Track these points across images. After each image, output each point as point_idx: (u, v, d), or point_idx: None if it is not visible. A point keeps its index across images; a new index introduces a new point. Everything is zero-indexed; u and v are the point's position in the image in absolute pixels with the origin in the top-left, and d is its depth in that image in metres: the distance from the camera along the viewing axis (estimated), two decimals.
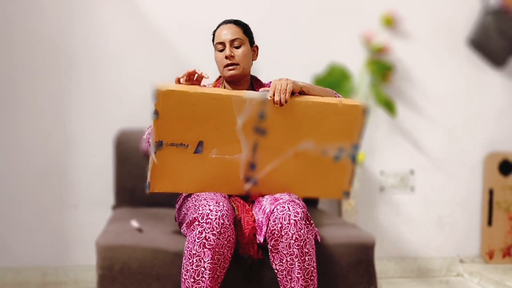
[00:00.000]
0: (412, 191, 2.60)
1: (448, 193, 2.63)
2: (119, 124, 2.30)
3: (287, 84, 1.56)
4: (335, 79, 2.49)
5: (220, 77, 1.80)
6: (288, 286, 1.55)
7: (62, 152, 2.34)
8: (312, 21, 2.48)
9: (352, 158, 1.65)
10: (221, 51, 1.69)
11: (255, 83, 1.78)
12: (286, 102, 1.55)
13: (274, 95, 1.55)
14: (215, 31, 1.74)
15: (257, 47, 1.78)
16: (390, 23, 2.50)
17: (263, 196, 1.68)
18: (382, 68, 2.47)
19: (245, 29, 1.73)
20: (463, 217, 2.64)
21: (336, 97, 1.72)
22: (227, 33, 1.68)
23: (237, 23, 1.72)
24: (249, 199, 1.70)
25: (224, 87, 1.77)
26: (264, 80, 1.84)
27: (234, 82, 1.73)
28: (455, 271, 2.63)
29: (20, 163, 2.32)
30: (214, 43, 1.72)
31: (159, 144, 1.51)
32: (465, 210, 2.64)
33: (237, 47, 1.68)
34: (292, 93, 1.58)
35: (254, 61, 1.77)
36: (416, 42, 2.55)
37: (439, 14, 2.57)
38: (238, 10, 2.41)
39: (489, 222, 2.63)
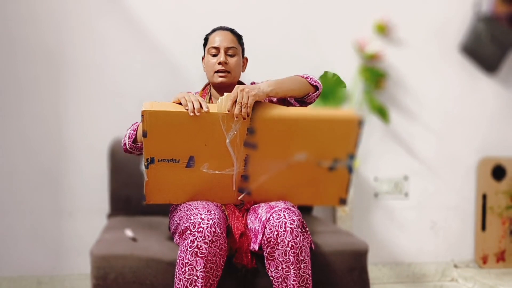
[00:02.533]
0: (406, 196, 2.62)
1: (442, 199, 2.64)
2: (114, 132, 2.31)
3: (248, 97, 1.49)
4: (328, 86, 2.50)
5: (206, 85, 1.79)
6: None
7: (57, 160, 2.34)
8: (306, 28, 2.50)
9: (348, 168, 1.62)
10: (214, 56, 1.68)
11: None
12: (248, 115, 1.49)
13: (234, 106, 1.48)
14: (208, 35, 1.73)
15: (246, 59, 1.79)
16: (383, 30, 2.52)
17: (256, 203, 1.68)
18: (375, 75, 2.49)
19: (240, 39, 1.74)
20: (457, 222, 2.66)
21: (304, 79, 1.67)
22: (224, 40, 1.68)
23: (233, 31, 1.73)
24: (243, 206, 1.70)
25: (210, 96, 1.77)
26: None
27: (222, 89, 1.71)
28: (450, 276, 2.64)
29: (15, 171, 2.32)
30: (207, 47, 1.71)
31: (150, 161, 1.53)
32: (459, 215, 2.66)
33: (231, 56, 1.69)
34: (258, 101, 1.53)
35: (241, 73, 1.77)
36: (409, 49, 2.57)
37: (431, 21, 2.60)
38: (232, 18, 2.42)
39: (483, 227, 2.65)
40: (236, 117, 1.50)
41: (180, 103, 1.52)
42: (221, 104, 1.51)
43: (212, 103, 1.75)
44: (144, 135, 1.50)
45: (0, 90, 2.31)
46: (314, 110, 1.62)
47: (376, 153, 2.57)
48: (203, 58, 1.77)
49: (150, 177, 1.56)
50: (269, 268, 1.57)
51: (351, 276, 1.79)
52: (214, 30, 1.74)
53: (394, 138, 2.59)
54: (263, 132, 1.54)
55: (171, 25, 2.40)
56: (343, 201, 1.69)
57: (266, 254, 1.57)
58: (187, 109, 1.49)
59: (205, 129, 1.51)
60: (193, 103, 1.49)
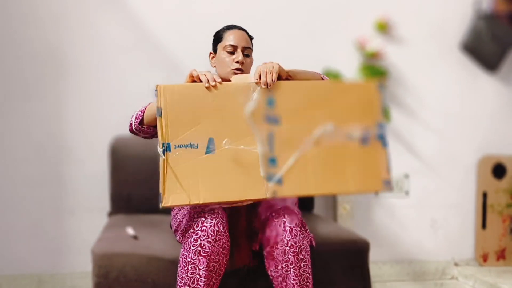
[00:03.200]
0: (406, 194, 2.62)
1: (442, 197, 2.64)
2: (114, 131, 2.30)
3: (273, 66, 1.50)
4: None
5: None
6: None
7: (58, 159, 2.34)
8: (306, 27, 2.49)
9: (381, 139, 1.50)
10: (230, 53, 1.66)
11: None
12: (273, 82, 1.47)
13: (260, 78, 1.48)
14: (223, 32, 1.71)
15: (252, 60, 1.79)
16: (383, 28, 2.52)
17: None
18: (376, 73, 2.49)
19: (252, 40, 1.74)
20: (457, 220, 2.66)
21: (320, 77, 1.65)
22: (241, 39, 1.67)
23: (247, 32, 1.72)
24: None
25: None
26: None
27: None
28: (450, 274, 2.64)
29: (16, 170, 2.32)
30: (223, 43, 1.67)
31: (166, 148, 1.38)
32: (459, 213, 2.66)
33: (247, 56, 1.68)
34: (279, 78, 1.50)
35: None
36: (409, 47, 2.57)
37: (432, 19, 2.59)
38: (233, 16, 2.41)
39: (483, 225, 2.65)
40: (263, 85, 1.45)
41: (194, 81, 1.48)
42: (241, 80, 1.46)
43: None
44: (159, 113, 1.40)
45: (1, 89, 2.30)
46: (330, 81, 1.55)
47: None
48: (211, 54, 1.74)
49: (166, 169, 1.38)
50: (268, 267, 1.58)
51: (352, 273, 1.80)
52: (229, 28, 1.71)
53: (395, 136, 2.59)
54: (283, 102, 1.44)
55: (172, 24, 2.39)
56: (387, 184, 1.50)
57: (266, 253, 1.57)
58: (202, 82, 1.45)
59: (222, 103, 1.42)
60: (206, 76, 1.46)
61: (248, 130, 1.42)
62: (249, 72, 1.67)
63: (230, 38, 1.67)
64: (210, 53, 1.75)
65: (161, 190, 1.38)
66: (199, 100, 1.42)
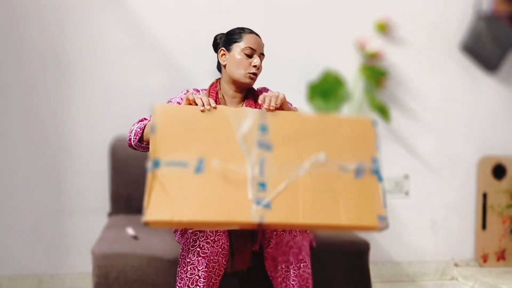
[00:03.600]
0: (406, 195, 2.62)
1: (442, 197, 2.64)
2: (114, 131, 2.30)
3: (279, 95, 1.52)
4: (329, 85, 2.50)
5: (214, 82, 1.76)
6: None
7: (58, 159, 2.34)
8: (306, 27, 2.49)
9: (376, 174, 1.46)
10: (250, 56, 1.67)
11: (248, 92, 1.77)
12: (276, 105, 1.49)
13: (264, 101, 1.50)
14: (243, 33, 1.70)
15: None
16: (383, 29, 2.52)
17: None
18: (376, 74, 2.49)
19: None
20: (457, 221, 2.66)
21: None
22: (260, 45, 1.70)
23: (261, 38, 1.73)
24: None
25: (220, 90, 1.75)
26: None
27: (243, 89, 1.72)
28: (450, 274, 2.64)
29: (16, 170, 2.32)
30: (243, 45, 1.67)
31: (155, 164, 1.36)
32: (459, 214, 2.66)
33: (261, 61, 1.70)
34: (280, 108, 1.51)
35: None
36: (409, 48, 2.57)
37: (432, 20, 2.59)
38: (233, 17, 2.42)
39: (483, 226, 2.65)
40: (266, 105, 1.47)
41: (190, 104, 1.50)
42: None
43: (224, 99, 1.73)
44: (153, 130, 1.41)
45: (2, 88, 2.31)
46: (325, 114, 1.55)
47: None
48: (221, 51, 1.72)
49: (153, 184, 1.35)
50: (268, 268, 1.58)
51: (352, 274, 1.80)
52: (250, 32, 1.71)
53: (395, 137, 2.59)
54: (276, 129, 1.44)
55: (172, 24, 2.39)
56: (383, 220, 1.42)
57: (266, 254, 1.57)
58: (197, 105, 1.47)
59: (215, 126, 1.43)
60: (202, 99, 1.47)
61: (239, 153, 1.41)
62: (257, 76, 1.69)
63: (251, 42, 1.68)
64: (221, 49, 1.72)
65: (144, 205, 1.35)
66: (192, 122, 1.44)
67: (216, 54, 1.77)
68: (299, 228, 1.43)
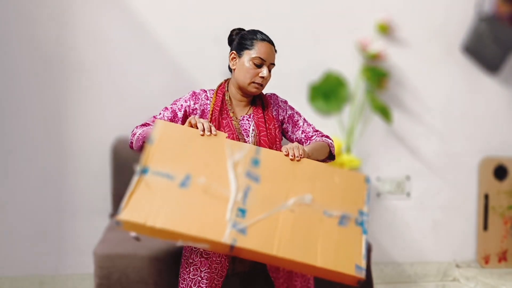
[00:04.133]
0: (408, 196, 2.62)
1: (444, 198, 2.64)
2: (116, 132, 2.30)
3: (299, 147, 1.54)
4: (331, 86, 2.51)
5: (224, 82, 1.74)
6: None
7: (60, 160, 2.34)
8: (308, 29, 2.49)
9: (360, 226, 1.45)
10: (258, 66, 1.63)
11: (258, 96, 1.74)
12: (300, 156, 1.51)
13: (288, 153, 1.51)
14: (255, 39, 1.65)
15: None
16: (385, 30, 2.52)
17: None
18: (377, 75, 2.49)
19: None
20: (459, 222, 2.66)
21: (329, 148, 1.67)
22: (270, 55, 1.65)
23: (274, 46, 1.69)
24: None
25: (228, 95, 1.73)
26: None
27: (248, 95, 1.70)
28: (451, 275, 2.64)
29: (17, 171, 2.32)
30: (254, 54, 1.63)
31: (144, 170, 1.38)
32: (461, 215, 2.66)
33: (269, 71, 1.66)
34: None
35: None
36: (411, 49, 2.57)
37: (433, 21, 2.60)
38: (234, 17, 2.42)
39: (485, 227, 2.65)
40: (292, 156, 1.49)
41: (192, 126, 1.51)
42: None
43: (231, 101, 1.71)
44: (150, 141, 1.43)
45: (3, 89, 2.31)
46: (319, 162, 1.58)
47: (378, 153, 2.57)
48: (232, 54, 1.68)
49: (137, 189, 1.36)
50: (270, 269, 1.58)
51: None
52: (263, 39, 1.66)
53: (396, 138, 2.59)
54: (267, 165, 1.47)
55: (175, 25, 2.39)
56: (360, 270, 1.38)
57: None
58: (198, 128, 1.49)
59: (211, 150, 1.46)
60: (203, 124, 1.49)
61: (226, 177, 1.42)
62: (265, 85, 1.67)
63: (261, 51, 1.64)
64: (232, 52, 1.68)
65: (122, 205, 1.34)
66: (189, 142, 1.47)
67: (229, 49, 1.72)
68: (271, 261, 1.40)
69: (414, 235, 2.62)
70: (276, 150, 1.60)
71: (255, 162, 1.46)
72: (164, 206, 1.35)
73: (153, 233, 1.36)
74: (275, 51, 1.68)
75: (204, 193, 1.39)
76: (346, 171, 1.58)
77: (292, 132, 1.72)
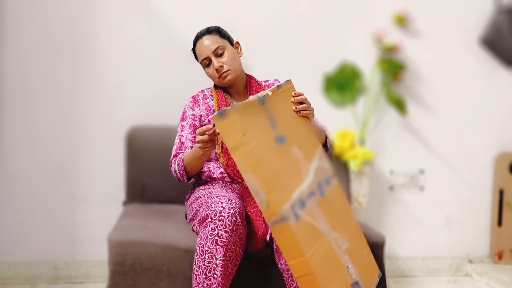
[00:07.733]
0: (421, 190, 2.60)
1: (458, 193, 2.62)
2: (130, 120, 2.31)
3: (310, 104, 1.60)
4: (346, 78, 2.49)
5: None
6: (293, 286, 1.55)
7: (74, 148, 2.36)
8: (323, 20, 2.47)
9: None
10: (209, 65, 1.70)
11: (250, 82, 1.79)
12: (302, 98, 1.56)
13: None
14: (194, 48, 1.75)
15: (238, 43, 1.78)
16: (401, 21, 2.49)
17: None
18: (393, 67, 2.46)
19: (220, 33, 1.74)
20: (472, 217, 2.63)
21: (325, 135, 1.72)
22: (207, 47, 1.69)
23: (210, 31, 1.72)
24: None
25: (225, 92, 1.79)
26: (260, 76, 1.86)
27: (236, 84, 1.75)
28: (464, 271, 2.62)
29: (32, 159, 2.34)
30: (199, 60, 1.73)
31: (262, 103, 1.43)
32: (475, 210, 2.63)
33: (221, 54, 1.69)
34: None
35: (243, 57, 1.78)
36: (427, 41, 2.54)
37: (451, 13, 2.56)
38: (250, 8, 2.41)
39: (499, 223, 2.62)
40: (294, 93, 1.57)
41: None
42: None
43: (230, 94, 1.77)
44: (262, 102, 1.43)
45: (17, 78, 2.32)
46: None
47: (393, 146, 2.55)
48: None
49: (249, 106, 1.39)
50: (278, 261, 1.57)
51: None
52: (195, 42, 1.74)
53: (411, 131, 2.57)
54: (332, 194, 1.56)
55: (189, 13, 2.39)
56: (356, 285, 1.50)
57: (276, 247, 1.57)
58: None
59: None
60: (201, 136, 1.53)
61: (308, 169, 1.47)
62: (234, 65, 1.68)
63: (200, 52, 1.71)
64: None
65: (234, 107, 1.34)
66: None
67: None
68: (296, 262, 1.38)
69: (427, 229, 2.61)
70: None
71: (328, 182, 1.54)
72: (256, 143, 1.33)
73: (238, 154, 1.29)
74: (215, 31, 1.71)
75: (290, 159, 1.41)
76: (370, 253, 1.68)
77: None
